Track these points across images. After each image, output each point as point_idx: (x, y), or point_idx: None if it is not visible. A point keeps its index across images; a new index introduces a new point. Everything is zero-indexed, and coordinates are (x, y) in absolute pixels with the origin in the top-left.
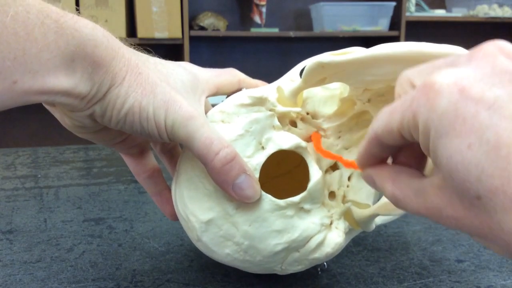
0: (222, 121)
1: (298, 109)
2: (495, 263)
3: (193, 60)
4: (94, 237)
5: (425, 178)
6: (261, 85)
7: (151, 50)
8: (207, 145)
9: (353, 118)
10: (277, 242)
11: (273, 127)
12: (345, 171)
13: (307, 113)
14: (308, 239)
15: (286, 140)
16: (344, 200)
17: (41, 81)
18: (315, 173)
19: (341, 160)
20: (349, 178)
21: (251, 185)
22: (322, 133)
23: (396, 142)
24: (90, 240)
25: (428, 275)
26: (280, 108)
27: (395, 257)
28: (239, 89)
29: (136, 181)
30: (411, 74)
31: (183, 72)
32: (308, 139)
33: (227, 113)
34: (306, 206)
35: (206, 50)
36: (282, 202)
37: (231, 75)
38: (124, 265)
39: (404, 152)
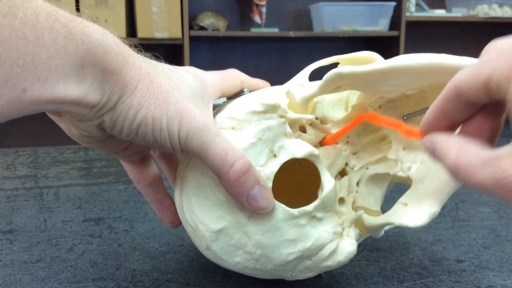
0: (233, 128)
1: (310, 116)
2: (495, 263)
3: (193, 60)
4: (94, 237)
5: (499, 148)
6: (262, 85)
7: (159, 56)
8: (222, 156)
9: (361, 123)
10: (290, 252)
11: (285, 134)
12: (353, 177)
13: (316, 118)
14: (321, 247)
15: (299, 148)
16: (353, 206)
17: (51, 89)
18: (328, 182)
19: (400, 127)
20: (357, 184)
21: (265, 196)
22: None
23: (476, 97)
24: (90, 240)
25: (428, 275)
26: (292, 115)
27: (395, 257)
28: (241, 90)
29: None
30: (505, 40)
31: (192, 78)
32: (318, 145)
33: (238, 120)
34: (319, 214)
35: (206, 50)
36: (295, 211)
37: (233, 76)
38: (124, 265)
39: (475, 124)
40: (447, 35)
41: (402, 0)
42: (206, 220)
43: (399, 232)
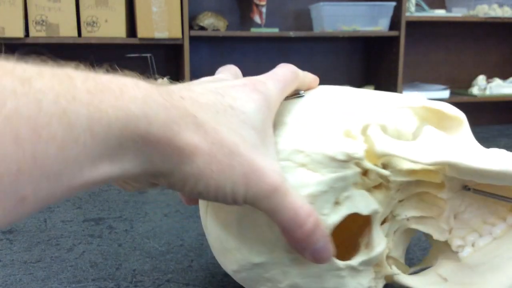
0: (304, 166)
1: (387, 173)
2: None
3: (193, 60)
4: (94, 237)
5: None
6: (314, 84)
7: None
8: (291, 217)
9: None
10: None
11: (354, 184)
12: (393, 226)
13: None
14: None
15: (365, 204)
16: (387, 256)
17: (67, 182)
18: (380, 241)
19: None
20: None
21: (329, 248)
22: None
23: None
24: (90, 240)
25: None
26: (368, 166)
27: None
28: (296, 92)
29: None
30: None
31: (253, 109)
32: (372, 189)
33: (312, 159)
34: (360, 267)
35: (206, 50)
36: (341, 264)
37: (293, 81)
38: (124, 265)
39: None
40: (447, 35)
41: (402, 0)
42: (245, 250)
43: None
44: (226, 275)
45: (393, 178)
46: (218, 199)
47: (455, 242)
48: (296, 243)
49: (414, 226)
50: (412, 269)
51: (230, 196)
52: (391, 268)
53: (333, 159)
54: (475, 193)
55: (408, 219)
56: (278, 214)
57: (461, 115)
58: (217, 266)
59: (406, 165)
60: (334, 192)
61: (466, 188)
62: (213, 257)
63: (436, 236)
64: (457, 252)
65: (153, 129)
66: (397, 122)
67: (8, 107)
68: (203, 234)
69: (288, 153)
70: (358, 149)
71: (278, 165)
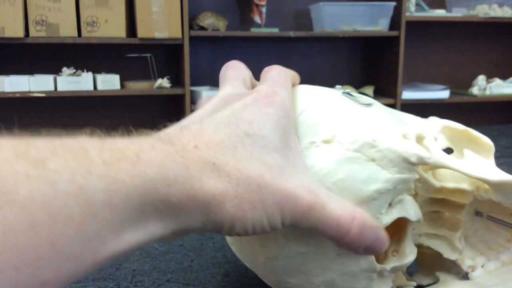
0: (374, 160)
1: (438, 184)
2: None
3: (193, 60)
4: None
5: None
6: (297, 78)
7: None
8: (335, 228)
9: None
10: None
11: (408, 189)
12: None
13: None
14: None
15: (414, 211)
16: None
17: (91, 258)
18: (412, 250)
19: None
20: None
21: (381, 239)
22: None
23: None
24: None
25: None
26: (425, 176)
27: None
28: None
29: None
30: None
31: (272, 125)
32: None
33: (384, 156)
34: (387, 273)
35: (206, 50)
36: (378, 266)
37: (288, 79)
38: (124, 265)
39: None
40: (447, 35)
41: (402, 0)
42: (293, 237)
43: None
44: (226, 275)
45: (422, 192)
46: (257, 233)
47: (467, 262)
48: (347, 247)
49: (425, 242)
50: (415, 281)
51: (268, 227)
52: (402, 279)
53: (405, 160)
54: (488, 219)
55: (420, 235)
56: (321, 229)
57: (491, 143)
58: (217, 266)
59: (437, 182)
60: (395, 193)
61: (478, 213)
62: (213, 257)
63: (447, 254)
64: (466, 272)
65: (173, 190)
66: (435, 138)
67: (21, 194)
68: (203, 234)
69: (360, 145)
70: (428, 155)
71: (308, 179)
